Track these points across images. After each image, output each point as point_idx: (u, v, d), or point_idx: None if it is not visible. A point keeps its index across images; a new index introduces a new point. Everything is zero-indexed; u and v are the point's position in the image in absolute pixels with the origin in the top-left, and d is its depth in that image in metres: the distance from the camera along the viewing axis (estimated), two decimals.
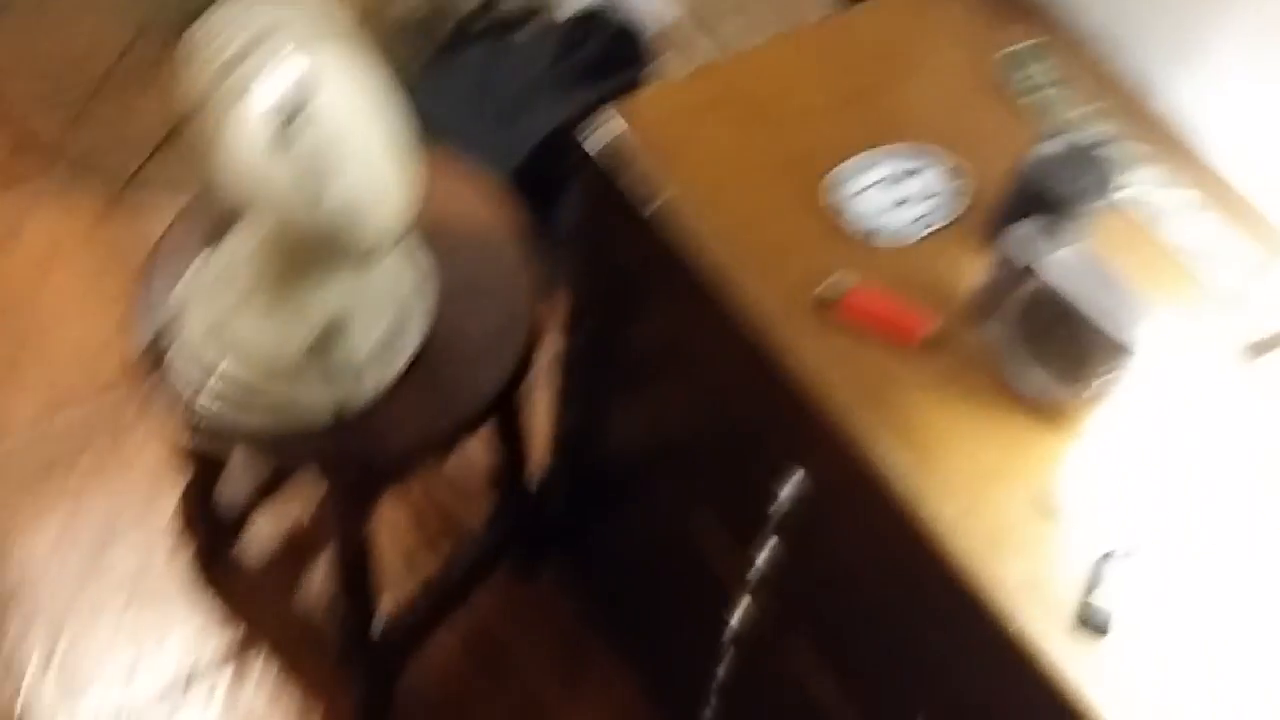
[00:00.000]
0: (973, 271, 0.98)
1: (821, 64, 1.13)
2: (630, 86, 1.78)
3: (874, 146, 1.05)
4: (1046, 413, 0.93)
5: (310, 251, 0.91)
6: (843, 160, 1.04)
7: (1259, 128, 1.07)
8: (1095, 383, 0.89)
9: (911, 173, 1.05)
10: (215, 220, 1.02)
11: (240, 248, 0.99)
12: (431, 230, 1.15)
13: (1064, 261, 0.89)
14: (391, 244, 0.96)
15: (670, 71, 1.60)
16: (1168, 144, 1.10)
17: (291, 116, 0.80)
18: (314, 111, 0.81)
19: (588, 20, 1.96)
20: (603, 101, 1.85)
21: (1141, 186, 1.05)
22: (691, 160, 1.05)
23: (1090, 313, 0.87)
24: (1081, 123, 1.09)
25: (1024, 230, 0.91)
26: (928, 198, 1.03)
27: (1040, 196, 0.95)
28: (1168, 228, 1.04)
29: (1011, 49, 1.14)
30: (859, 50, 1.15)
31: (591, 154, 1.09)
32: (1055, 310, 0.88)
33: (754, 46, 1.14)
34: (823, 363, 0.95)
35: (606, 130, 1.08)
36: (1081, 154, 0.96)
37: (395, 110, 0.93)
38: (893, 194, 1.03)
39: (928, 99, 1.11)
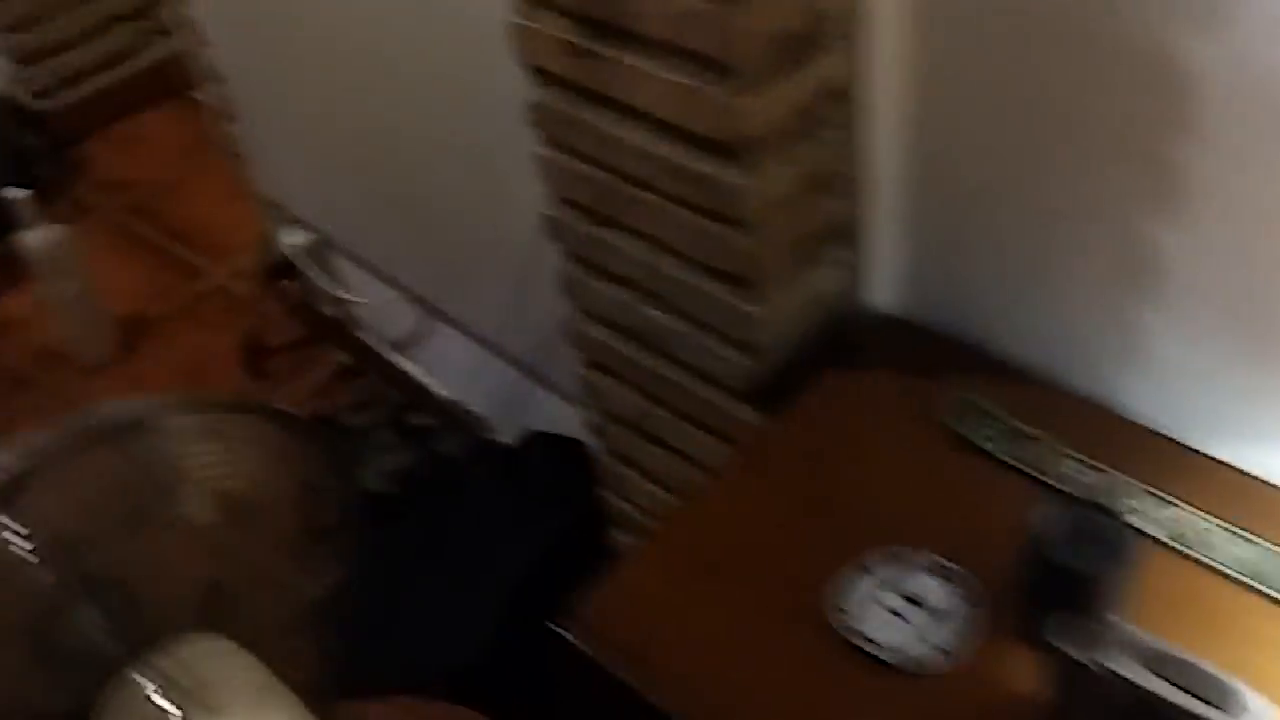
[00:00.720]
0: (1023, 677, 0.86)
1: (776, 483, 1.05)
2: (586, 505, 1.71)
3: (858, 559, 0.96)
4: None
5: None
6: (834, 587, 0.95)
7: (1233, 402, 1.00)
8: None
9: (909, 579, 0.95)
10: None
11: None
12: None
13: (1125, 652, 0.77)
14: None
15: (613, 482, 1.53)
16: (1150, 454, 1.01)
17: None
18: None
19: (529, 444, 1.92)
20: (565, 528, 1.79)
21: (1155, 516, 0.96)
22: (680, 633, 0.95)
23: (1186, 706, 0.75)
24: (1057, 466, 1.00)
25: (1065, 628, 0.80)
26: (936, 603, 0.93)
27: (1061, 578, 0.85)
28: (1204, 552, 0.93)
29: (954, 405, 1.07)
30: (807, 455, 1.07)
31: (571, 650, 0.99)
32: (1144, 713, 0.76)
33: (707, 481, 1.07)
34: None
35: (578, 623, 0.98)
36: (1081, 514, 0.87)
37: None
38: (901, 608, 0.93)
39: (895, 487, 1.02)
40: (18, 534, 0.79)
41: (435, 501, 1.98)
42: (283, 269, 2.30)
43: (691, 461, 1.34)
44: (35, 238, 2.33)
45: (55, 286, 2.39)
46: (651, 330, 1.26)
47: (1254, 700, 0.74)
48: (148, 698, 0.83)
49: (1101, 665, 0.77)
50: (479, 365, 1.98)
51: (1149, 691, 0.75)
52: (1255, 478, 0.98)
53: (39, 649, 0.81)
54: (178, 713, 0.81)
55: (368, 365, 2.27)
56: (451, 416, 2.11)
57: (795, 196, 1.09)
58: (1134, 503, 0.95)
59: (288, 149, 2.15)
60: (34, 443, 0.78)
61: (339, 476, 1.05)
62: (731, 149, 1.04)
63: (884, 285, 1.17)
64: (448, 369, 2.10)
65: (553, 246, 1.31)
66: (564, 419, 1.82)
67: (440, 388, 2.13)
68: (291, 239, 2.21)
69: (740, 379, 1.18)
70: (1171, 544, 0.94)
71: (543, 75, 1.16)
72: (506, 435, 2.00)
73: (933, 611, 0.92)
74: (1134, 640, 0.78)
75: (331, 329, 2.33)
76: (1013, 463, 1.01)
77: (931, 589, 0.94)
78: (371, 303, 2.18)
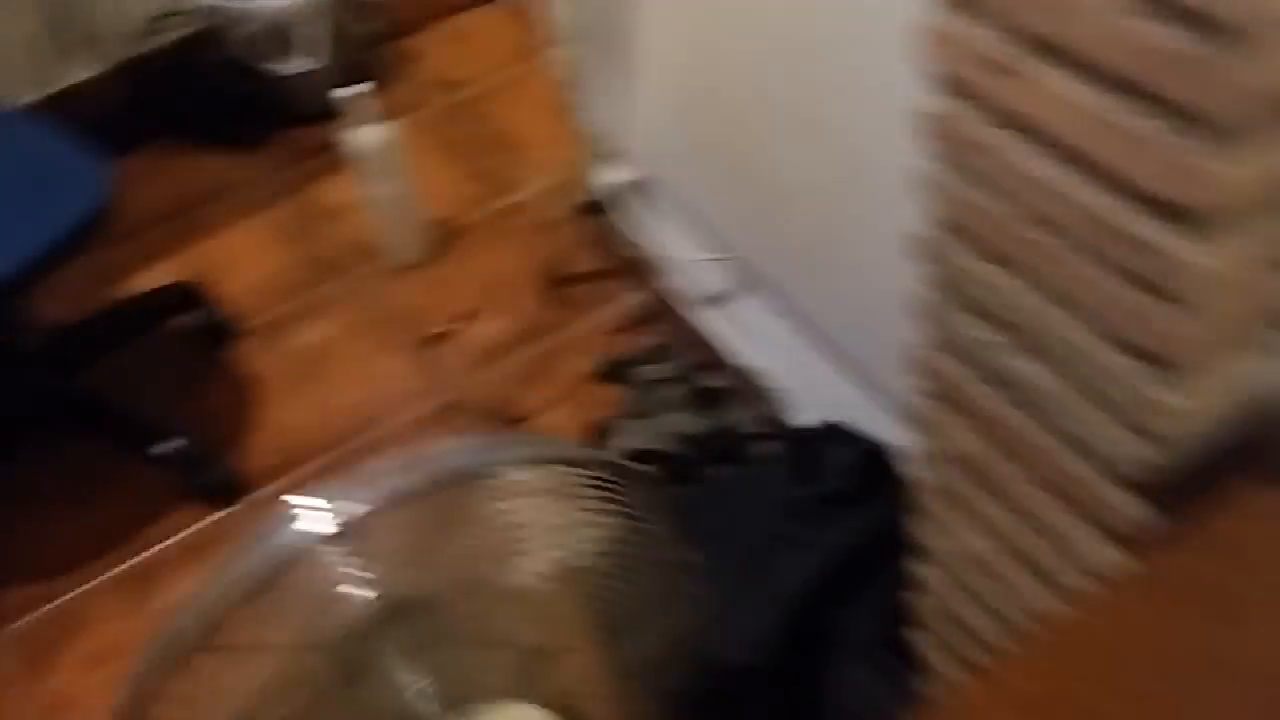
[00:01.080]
0: None
1: (1166, 622, 0.88)
2: (885, 522, 1.57)
3: None
4: None
5: None
6: None
7: None
8: None
9: None
10: None
11: None
12: None
13: None
14: None
15: (929, 516, 1.38)
16: None
17: None
18: None
19: (828, 435, 1.79)
20: (861, 543, 1.66)
21: None
22: None
23: None
24: None
25: None
26: None
27: None
28: None
29: None
30: (1212, 594, 0.88)
31: None
32: None
33: (1077, 604, 0.91)
34: None
35: None
36: None
37: None
38: None
39: None
40: (358, 576, 0.74)
41: (722, 473, 1.89)
42: (595, 202, 2.23)
43: (1038, 530, 1.18)
44: (364, 134, 2.34)
45: (377, 184, 2.41)
46: (1020, 383, 1.09)
47: None
48: None
49: None
50: (789, 341, 1.86)
51: None
52: None
53: (351, 701, 0.76)
54: None
55: (667, 315, 2.19)
56: (746, 386, 2.00)
57: (1250, 277, 0.90)
58: None
59: (624, 82, 2.05)
60: (381, 484, 0.71)
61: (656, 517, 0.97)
62: (1184, 213, 0.85)
63: None
64: (753, 337, 1.98)
65: (914, 264, 1.16)
66: (868, 419, 1.68)
67: (741, 355, 2.02)
68: (611, 175, 2.13)
69: (1132, 467, 1.00)
70: None
71: (953, 86, 0.99)
72: (802, 419, 1.88)
73: None
74: None
75: (635, 271, 2.25)
76: None
77: None
78: (685, 253, 2.08)
